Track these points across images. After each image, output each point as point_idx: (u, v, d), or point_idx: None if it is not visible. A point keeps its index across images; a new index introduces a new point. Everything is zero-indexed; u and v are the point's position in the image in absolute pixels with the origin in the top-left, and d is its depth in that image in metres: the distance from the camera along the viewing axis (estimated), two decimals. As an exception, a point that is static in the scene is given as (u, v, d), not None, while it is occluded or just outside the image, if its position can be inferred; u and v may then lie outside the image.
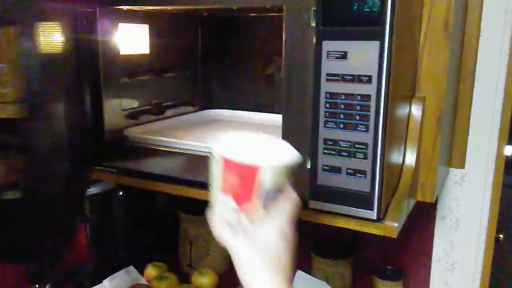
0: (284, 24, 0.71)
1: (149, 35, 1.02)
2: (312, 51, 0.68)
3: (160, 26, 1.04)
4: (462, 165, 1.06)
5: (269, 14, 1.07)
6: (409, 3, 0.72)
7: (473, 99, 1.03)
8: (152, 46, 1.03)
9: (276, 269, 0.52)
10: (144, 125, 1.01)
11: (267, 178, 0.52)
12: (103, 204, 1.20)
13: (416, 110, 0.80)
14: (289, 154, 0.54)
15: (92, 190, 1.17)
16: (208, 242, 1.26)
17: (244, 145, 0.55)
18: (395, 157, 0.75)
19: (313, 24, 0.67)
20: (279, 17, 0.73)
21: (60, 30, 0.84)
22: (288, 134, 0.73)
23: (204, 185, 0.80)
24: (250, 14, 1.12)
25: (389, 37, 0.62)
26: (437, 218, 1.12)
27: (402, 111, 0.76)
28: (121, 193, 1.20)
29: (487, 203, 1.07)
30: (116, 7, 0.89)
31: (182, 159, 0.86)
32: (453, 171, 1.08)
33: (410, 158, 0.79)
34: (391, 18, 0.62)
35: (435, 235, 1.12)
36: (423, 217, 1.11)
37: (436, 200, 1.10)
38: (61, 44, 0.84)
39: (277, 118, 1.06)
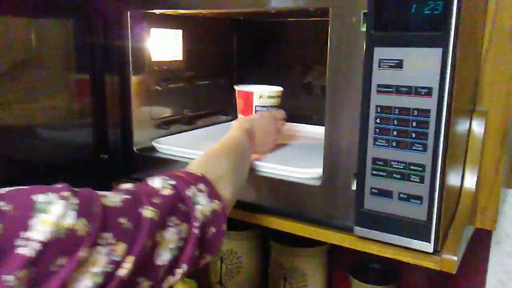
0: (329, 29, 0.63)
1: (183, 40, 0.96)
2: (361, 59, 0.60)
3: (194, 31, 0.99)
4: (522, 187, 0.95)
5: (309, 19, 1.00)
6: (474, 6, 0.63)
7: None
8: (185, 52, 0.97)
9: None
10: (175, 136, 0.95)
11: (257, 99, 0.88)
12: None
13: (477, 127, 0.71)
14: (274, 88, 0.92)
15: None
16: (240, 259, 1.19)
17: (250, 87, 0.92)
18: (454, 180, 0.67)
19: (363, 29, 0.60)
20: (319, 21, 0.65)
21: (89, 32, 0.79)
22: (331, 150, 0.66)
23: (257, 208, 0.74)
24: (288, 19, 1.05)
25: (454, 43, 0.54)
26: (492, 243, 1.01)
27: (462, 127, 0.67)
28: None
29: (551, 229, 0.96)
30: (147, 11, 0.84)
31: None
32: (511, 192, 0.97)
33: (470, 181, 0.70)
34: (457, 22, 0.54)
35: (489, 262, 1.01)
36: (475, 243, 1.00)
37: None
38: (89, 47, 0.80)
39: (315, 130, 1.01)
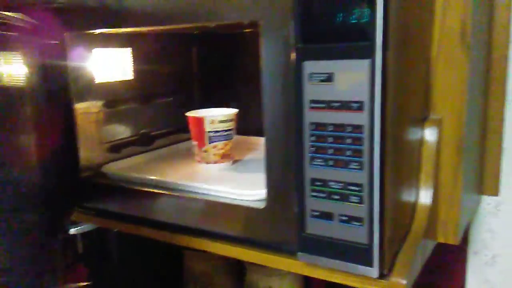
0: (260, 43, 0.59)
1: (133, 59, 0.93)
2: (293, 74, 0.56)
3: (146, 48, 0.95)
4: (495, 192, 0.91)
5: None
6: (412, 10, 0.59)
7: (506, 115, 0.88)
8: (137, 71, 0.94)
9: None
10: (131, 158, 0.91)
11: (208, 125, 0.84)
12: (99, 241, 1.11)
13: (430, 136, 0.66)
14: (227, 112, 0.87)
15: (87, 227, 1.09)
16: (214, 280, 1.15)
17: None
18: (406, 195, 0.62)
19: (292, 42, 0.56)
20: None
21: (25, 58, 0.76)
22: (272, 169, 0.62)
23: (199, 232, 0.70)
24: (245, 30, 1.01)
25: (382, 53, 0.50)
26: (469, 253, 0.96)
27: (411, 137, 0.63)
28: (117, 229, 1.11)
29: (529, 235, 0.91)
30: (86, 31, 0.80)
31: (171, 200, 0.75)
32: (486, 199, 0.93)
33: (425, 194, 0.65)
34: (384, 30, 0.50)
35: (467, 273, 0.97)
36: (451, 253, 0.96)
37: (467, 233, 0.95)
38: (27, 74, 0.76)
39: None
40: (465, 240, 0.95)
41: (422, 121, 0.67)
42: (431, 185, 0.65)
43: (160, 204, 0.76)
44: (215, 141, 0.84)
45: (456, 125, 0.67)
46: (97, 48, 0.84)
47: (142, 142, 0.95)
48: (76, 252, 1.16)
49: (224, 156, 0.86)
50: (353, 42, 0.51)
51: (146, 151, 0.96)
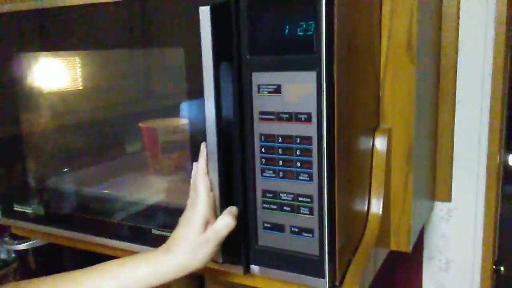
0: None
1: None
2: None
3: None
4: (448, 199, 0.93)
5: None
6: (358, 22, 0.60)
7: (456, 123, 0.91)
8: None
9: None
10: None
11: (161, 135, 0.79)
12: (50, 257, 1.08)
13: (380, 145, 0.67)
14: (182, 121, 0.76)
15: (36, 242, 1.05)
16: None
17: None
18: (357, 205, 0.63)
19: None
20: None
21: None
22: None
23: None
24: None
25: (327, 65, 0.50)
26: (424, 259, 0.98)
27: (362, 147, 0.64)
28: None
29: (480, 239, 0.93)
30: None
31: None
32: (439, 205, 0.95)
33: (376, 203, 0.66)
34: (329, 42, 0.50)
35: (423, 279, 0.99)
36: (407, 259, 0.97)
37: (422, 239, 0.97)
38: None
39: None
40: (419, 246, 0.97)
41: (372, 130, 0.68)
42: (382, 194, 0.66)
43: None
44: (168, 152, 0.83)
45: (405, 134, 0.68)
46: (44, 58, 0.82)
47: (95, 154, 0.92)
48: (29, 268, 1.12)
49: (179, 167, 0.84)
50: (299, 54, 0.51)
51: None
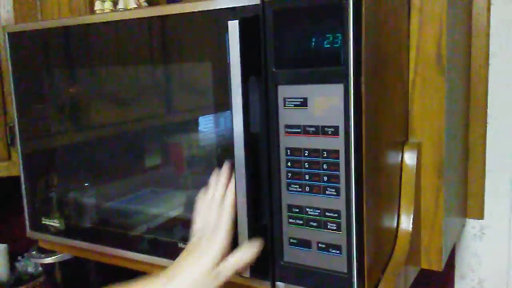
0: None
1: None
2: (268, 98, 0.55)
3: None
4: (480, 216, 0.90)
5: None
6: (386, 34, 0.59)
7: (488, 137, 0.88)
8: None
9: None
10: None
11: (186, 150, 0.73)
12: (76, 270, 1.08)
13: (409, 160, 0.66)
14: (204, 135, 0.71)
15: (63, 256, 1.06)
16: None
17: None
18: (386, 221, 0.61)
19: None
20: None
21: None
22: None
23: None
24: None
25: (355, 77, 0.49)
26: (456, 278, 0.95)
27: (390, 162, 0.62)
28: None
29: (515, 258, 0.90)
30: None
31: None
32: (471, 222, 0.92)
33: (406, 220, 0.64)
34: (357, 54, 0.49)
35: (455, 299, 0.95)
36: (438, 278, 0.94)
37: (454, 257, 0.94)
38: None
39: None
40: (451, 264, 0.94)
41: (401, 144, 0.66)
42: (412, 210, 0.64)
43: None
44: (193, 167, 0.82)
45: (435, 148, 0.66)
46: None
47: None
48: (56, 282, 1.13)
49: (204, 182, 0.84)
50: (326, 67, 0.51)
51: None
